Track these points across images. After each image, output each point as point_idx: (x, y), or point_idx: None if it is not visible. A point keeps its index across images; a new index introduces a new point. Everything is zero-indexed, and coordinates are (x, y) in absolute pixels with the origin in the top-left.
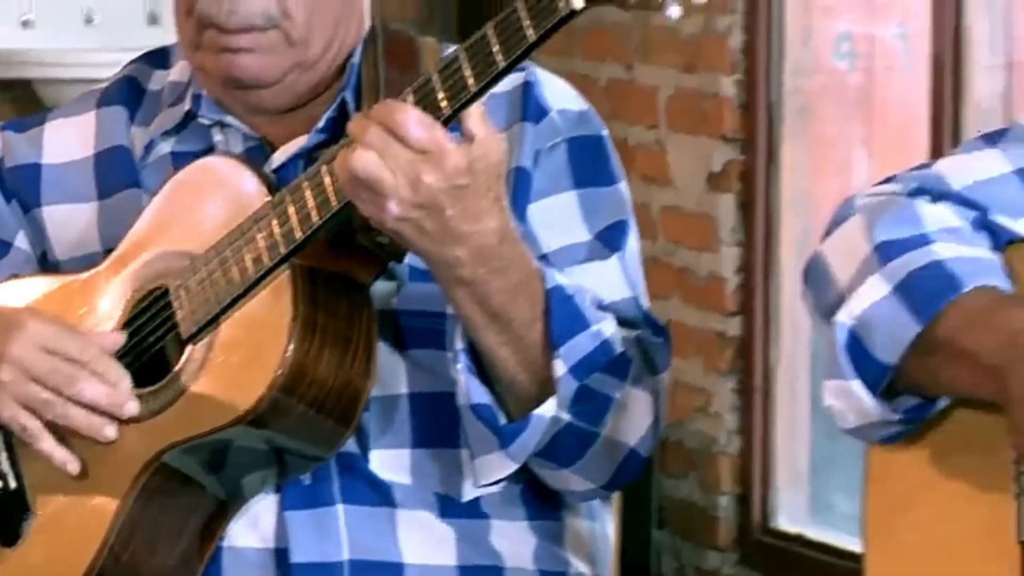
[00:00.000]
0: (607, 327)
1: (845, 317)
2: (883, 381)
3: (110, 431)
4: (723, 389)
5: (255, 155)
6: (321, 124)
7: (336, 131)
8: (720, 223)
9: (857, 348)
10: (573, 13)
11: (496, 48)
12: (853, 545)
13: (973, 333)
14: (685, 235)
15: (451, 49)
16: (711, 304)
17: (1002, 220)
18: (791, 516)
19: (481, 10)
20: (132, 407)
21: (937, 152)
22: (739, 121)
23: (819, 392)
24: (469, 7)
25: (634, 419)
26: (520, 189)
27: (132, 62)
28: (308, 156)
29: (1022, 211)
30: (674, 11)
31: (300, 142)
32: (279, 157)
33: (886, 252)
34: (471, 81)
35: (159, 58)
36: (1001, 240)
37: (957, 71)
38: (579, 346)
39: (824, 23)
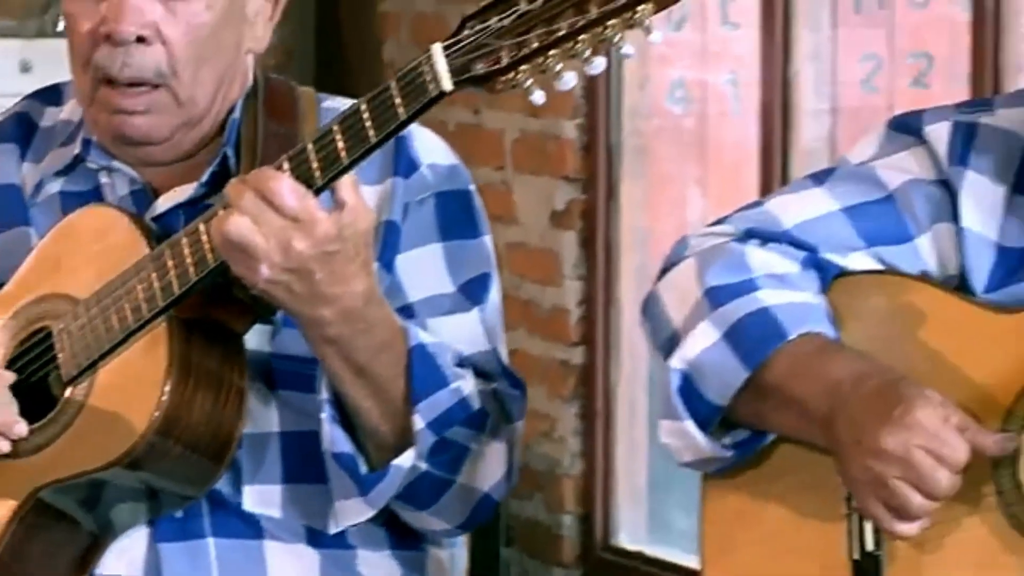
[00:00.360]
0: (466, 384)
1: (678, 362)
2: (714, 421)
3: (3, 445)
4: (567, 414)
5: (139, 200)
6: (204, 178)
7: (217, 184)
8: (563, 258)
9: (690, 391)
10: (443, 94)
11: (369, 124)
12: (690, 562)
13: (798, 381)
14: (530, 270)
15: (327, 101)
16: (555, 334)
17: (831, 257)
18: (631, 534)
19: (340, 58)
20: (21, 428)
21: (767, 190)
22: (580, 162)
23: (657, 417)
24: (327, 56)
25: (489, 467)
26: (389, 242)
27: (25, 98)
28: (190, 207)
29: (849, 247)
30: (538, 96)
31: (183, 192)
32: (163, 204)
33: (716, 297)
34: (343, 154)
35: (52, 95)
36: (829, 276)
37: (785, 115)
38: (438, 402)
39: (660, 70)
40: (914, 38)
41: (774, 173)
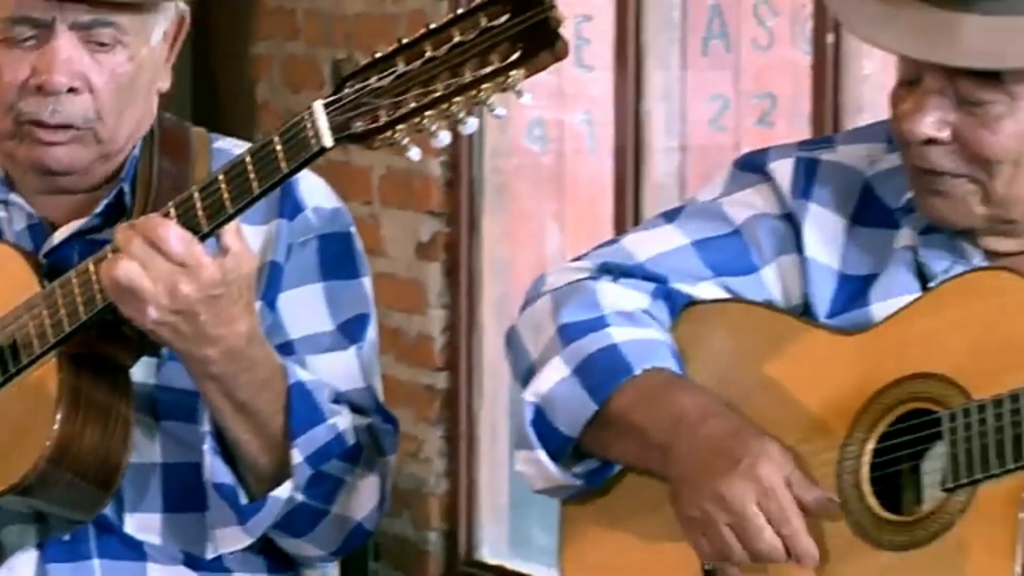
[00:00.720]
0: (342, 420)
1: (531, 396)
2: (566, 452)
3: None
4: (432, 436)
5: (36, 233)
6: (99, 209)
7: (111, 217)
8: (428, 288)
9: (542, 423)
10: (324, 149)
11: (252, 176)
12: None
13: (641, 412)
14: (397, 299)
15: (217, 142)
16: (421, 360)
17: (680, 286)
18: (493, 549)
19: (214, 99)
20: None
21: (620, 223)
22: (444, 197)
23: (513, 447)
24: (202, 97)
25: (363, 498)
26: (272, 282)
27: None
28: (84, 238)
29: (698, 277)
30: (414, 153)
31: (78, 224)
32: (59, 236)
33: (568, 334)
34: (228, 204)
35: None
36: (679, 304)
37: (637, 153)
38: (315, 437)
39: (518, 110)
40: (758, 80)
41: (627, 207)
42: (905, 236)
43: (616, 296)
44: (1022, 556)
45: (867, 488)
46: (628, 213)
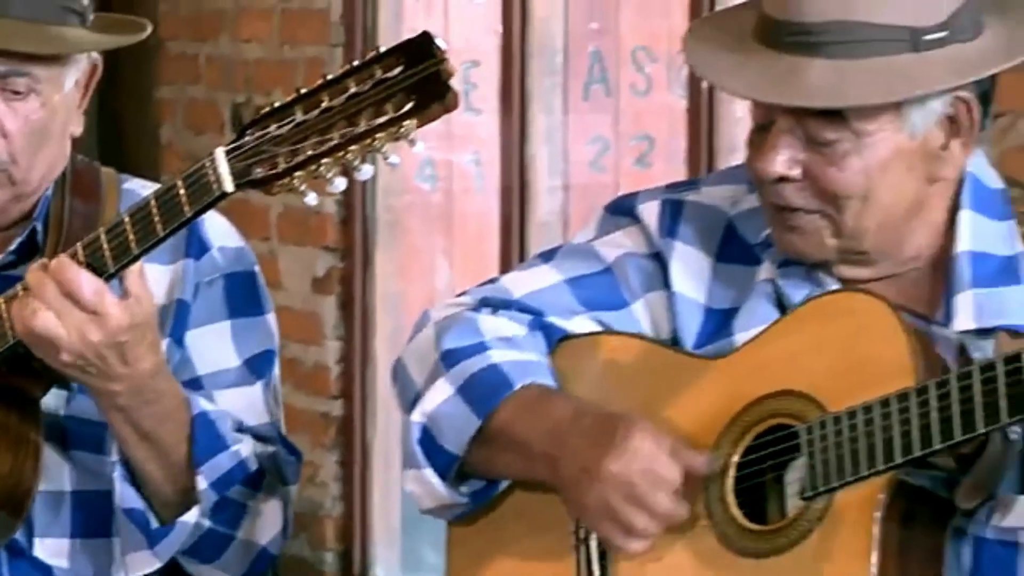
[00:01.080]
0: (244, 448)
1: (418, 416)
2: (452, 469)
3: None
4: (328, 461)
5: None
6: (12, 247)
7: (24, 253)
8: (324, 320)
9: (429, 441)
10: (225, 194)
11: (157, 219)
12: None
13: (522, 424)
14: (294, 331)
15: (127, 182)
16: (317, 389)
17: (555, 320)
18: (386, 568)
19: (120, 141)
20: None
21: (507, 259)
22: (339, 234)
23: (401, 468)
24: (108, 139)
25: (267, 523)
26: (180, 319)
27: None
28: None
29: (572, 312)
30: (311, 198)
31: None
32: None
33: (451, 358)
34: (133, 245)
35: None
36: (554, 337)
37: (522, 192)
38: (219, 465)
39: (410, 151)
40: (637, 123)
41: (513, 244)
42: (765, 270)
43: (495, 324)
44: (878, 557)
45: (732, 500)
46: (514, 249)
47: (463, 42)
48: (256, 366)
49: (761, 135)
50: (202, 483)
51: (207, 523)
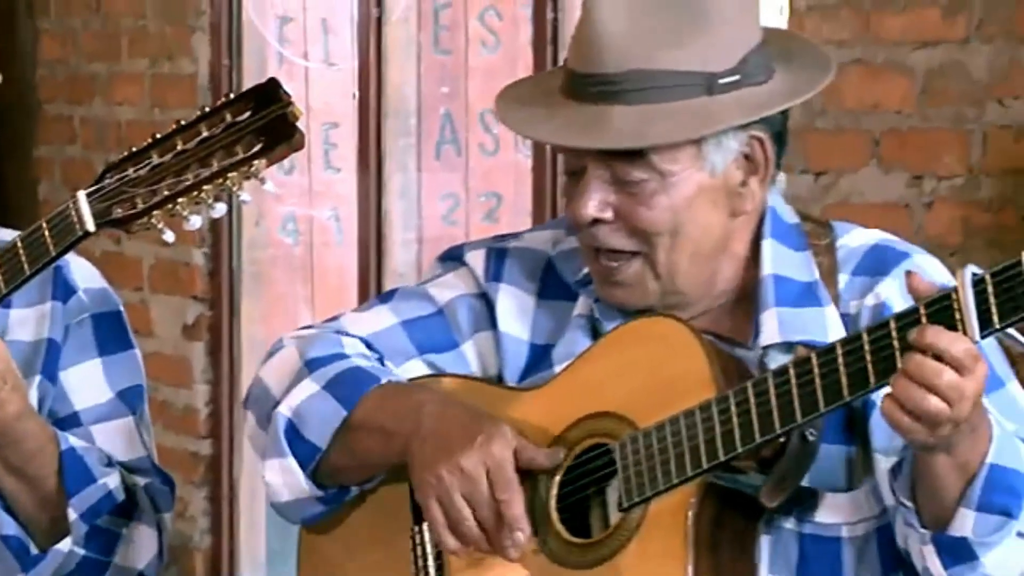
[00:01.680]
0: (112, 480)
1: (284, 409)
2: (314, 461)
3: None
4: (197, 497)
5: None
6: None
7: None
8: (193, 365)
9: (293, 433)
10: (87, 233)
11: (23, 258)
12: None
13: (385, 410)
14: (165, 375)
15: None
16: (187, 430)
17: (390, 365)
18: None
19: (1, 201)
20: None
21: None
22: (207, 284)
23: (263, 459)
24: None
25: (142, 550)
26: (51, 358)
27: None
28: None
29: (405, 356)
30: (168, 236)
31: None
32: None
33: (316, 364)
34: (2, 285)
35: None
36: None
37: (379, 244)
38: (88, 497)
39: (273, 207)
40: (485, 180)
41: (370, 292)
42: (581, 305)
43: (355, 344)
44: (692, 556)
45: (555, 517)
46: (371, 297)
47: (323, 105)
48: (128, 400)
49: (574, 182)
50: (72, 514)
51: (80, 551)
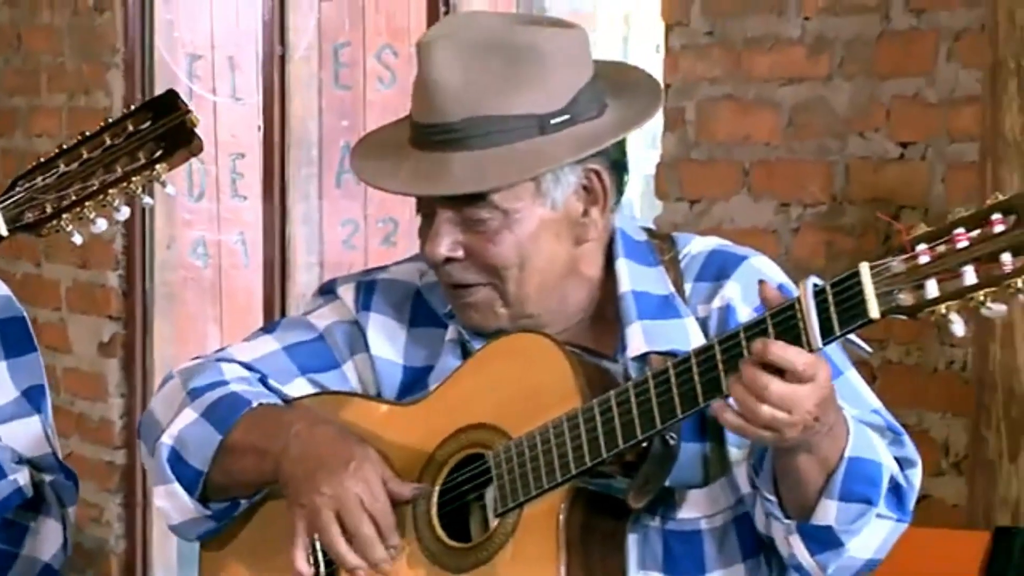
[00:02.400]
0: (22, 476)
1: (167, 438)
2: (198, 484)
3: None
4: (112, 504)
5: None
6: None
7: None
8: (108, 380)
9: (176, 459)
10: (1, 237)
11: None
12: None
13: (258, 433)
14: (82, 389)
15: None
16: (102, 440)
17: (274, 384)
18: None
19: None
20: None
21: None
22: (122, 304)
23: (152, 486)
24: None
25: (47, 541)
26: None
27: None
28: None
29: (290, 375)
30: (77, 239)
31: None
32: None
33: (196, 393)
34: None
35: None
36: (274, 396)
37: (283, 268)
38: None
39: (184, 232)
40: (383, 207)
41: (275, 312)
42: (451, 331)
43: (235, 370)
44: (564, 556)
45: (436, 523)
46: (275, 317)
47: (230, 137)
48: (32, 399)
49: (427, 223)
50: None
51: None
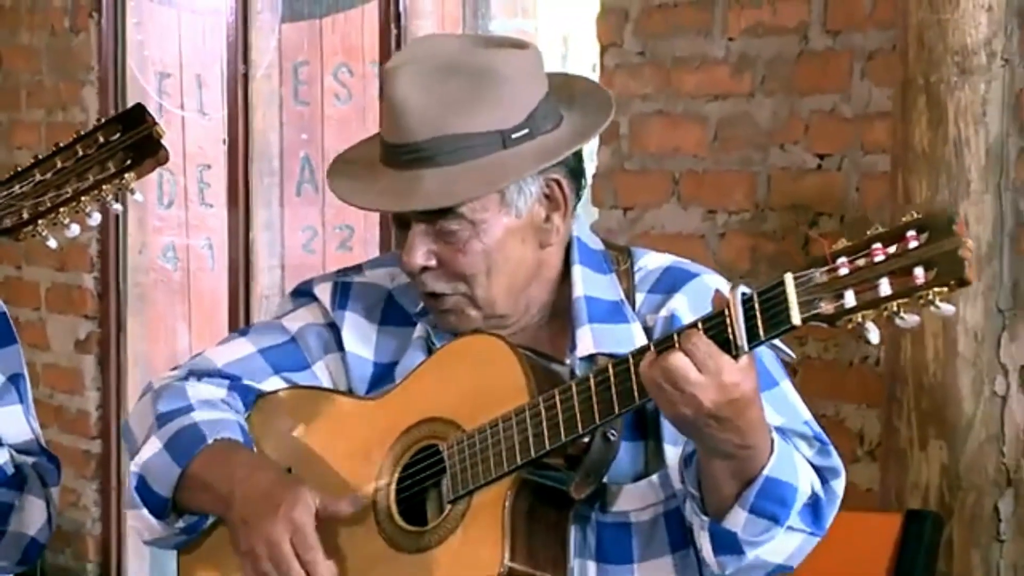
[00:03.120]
0: (1, 456)
1: (135, 467)
2: (165, 509)
3: None
4: (89, 490)
5: None
6: None
7: None
8: (85, 374)
9: (143, 487)
10: None
11: None
12: None
13: (209, 472)
14: (60, 383)
15: None
16: (79, 431)
17: (250, 383)
18: None
19: None
20: None
21: (234, 323)
22: (97, 304)
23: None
24: None
25: (32, 518)
26: None
27: None
28: None
29: (264, 374)
30: (52, 243)
31: None
32: None
33: (162, 420)
34: None
35: None
36: (251, 396)
37: (247, 270)
38: None
39: (155, 237)
40: (339, 215)
41: (239, 312)
42: (419, 329)
43: (200, 390)
44: (508, 542)
45: (395, 509)
46: (240, 315)
47: (197, 149)
48: (14, 387)
49: (403, 234)
50: None
51: None
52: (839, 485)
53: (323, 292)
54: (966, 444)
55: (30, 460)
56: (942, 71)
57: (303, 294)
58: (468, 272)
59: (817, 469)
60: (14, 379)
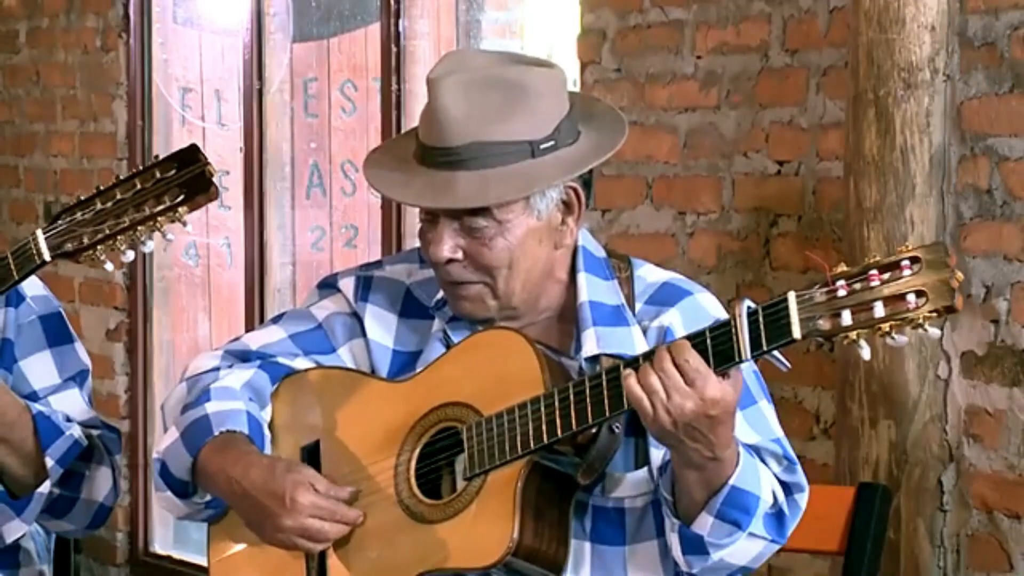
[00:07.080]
0: (75, 430)
1: (156, 454)
2: (187, 489)
3: None
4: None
5: None
6: None
7: None
8: (115, 361)
9: (165, 472)
10: (44, 262)
11: None
12: (203, 561)
13: (214, 463)
14: (92, 369)
15: None
16: (109, 412)
17: (281, 360)
18: (163, 544)
19: None
20: None
21: (250, 316)
22: (125, 297)
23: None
24: None
25: (100, 485)
26: (7, 353)
27: None
28: None
29: (294, 355)
30: (109, 266)
31: None
32: None
33: (184, 410)
34: None
35: None
36: (281, 371)
37: (261, 267)
38: (60, 446)
39: (178, 235)
40: (346, 215)
41: (255, 305)
42: (437, 324)
43: (223, 378)
44: (518, 517)
45: (414, 483)
46: (255, 309)
47: (216, 157)
48: (74, 378)
49: (430, 226)
50: (49, 461)
51: (57, 491)
52: (802, 499)
53: (346, 285)
54: (912, 423)
55: (96, 432)
56: (890, 85)
57: (328, 286)
58: (493, 265)
59: (784, 484)
60: (78, 375)
